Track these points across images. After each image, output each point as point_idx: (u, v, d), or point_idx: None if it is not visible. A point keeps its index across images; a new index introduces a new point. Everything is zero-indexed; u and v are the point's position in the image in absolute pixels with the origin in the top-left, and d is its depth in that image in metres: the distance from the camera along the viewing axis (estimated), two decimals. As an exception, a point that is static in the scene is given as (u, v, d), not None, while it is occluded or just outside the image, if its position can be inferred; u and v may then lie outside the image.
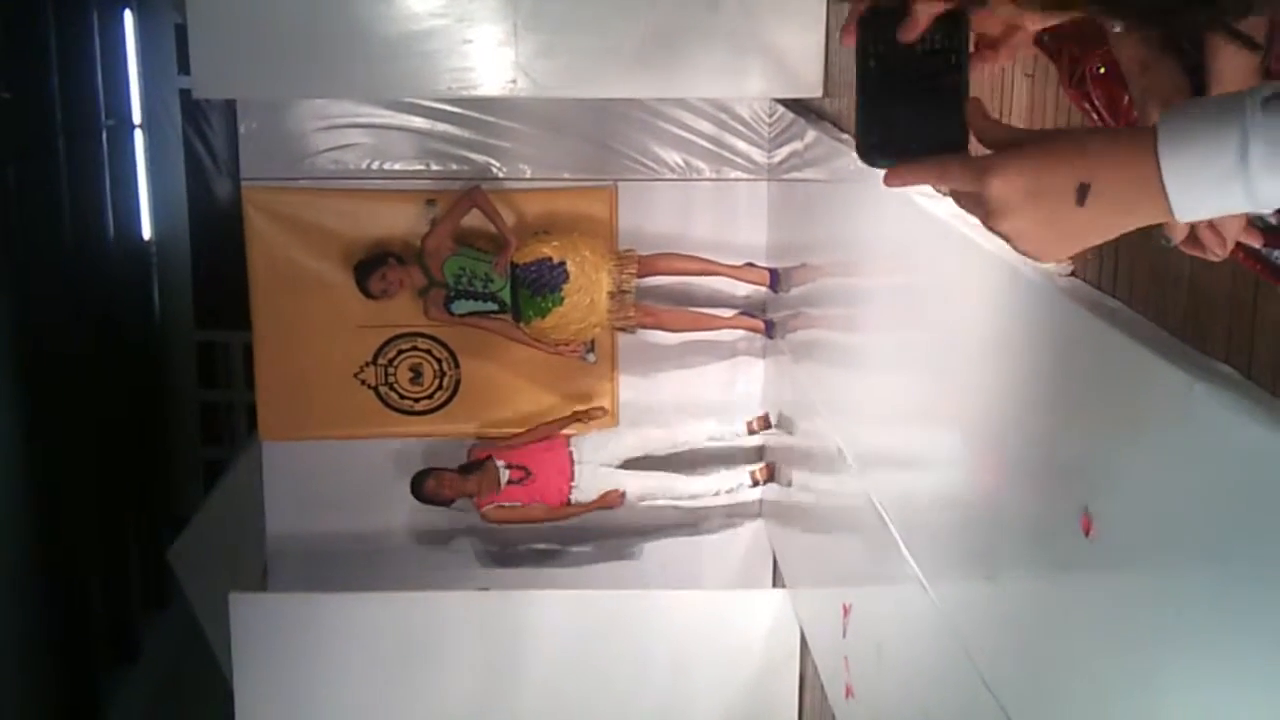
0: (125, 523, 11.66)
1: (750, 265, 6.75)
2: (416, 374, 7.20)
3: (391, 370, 7.18)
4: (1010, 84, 3.45)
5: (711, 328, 6.89)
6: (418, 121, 6.92)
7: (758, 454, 7.05)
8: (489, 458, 6.57)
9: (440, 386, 7.23)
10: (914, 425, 4.07)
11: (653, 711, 6.73)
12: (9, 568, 9.49)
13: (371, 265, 6.45)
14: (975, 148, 1.12)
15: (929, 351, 3.75)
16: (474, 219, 6.51)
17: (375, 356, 7.15)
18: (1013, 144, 1.09)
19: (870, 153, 1.15)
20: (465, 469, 6.56)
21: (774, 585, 7.07)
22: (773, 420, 6.77)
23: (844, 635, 4.96)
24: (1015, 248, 1.10)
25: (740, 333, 7.00)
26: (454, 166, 6.96)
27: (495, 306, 6.43)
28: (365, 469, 7.18)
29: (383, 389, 7.21)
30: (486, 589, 6.78)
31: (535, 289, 6.33)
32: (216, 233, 10.65)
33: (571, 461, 6.56)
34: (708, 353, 7.16)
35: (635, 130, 6.95)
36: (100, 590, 11.20)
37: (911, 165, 1.12)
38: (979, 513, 3.25)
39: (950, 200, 1.14)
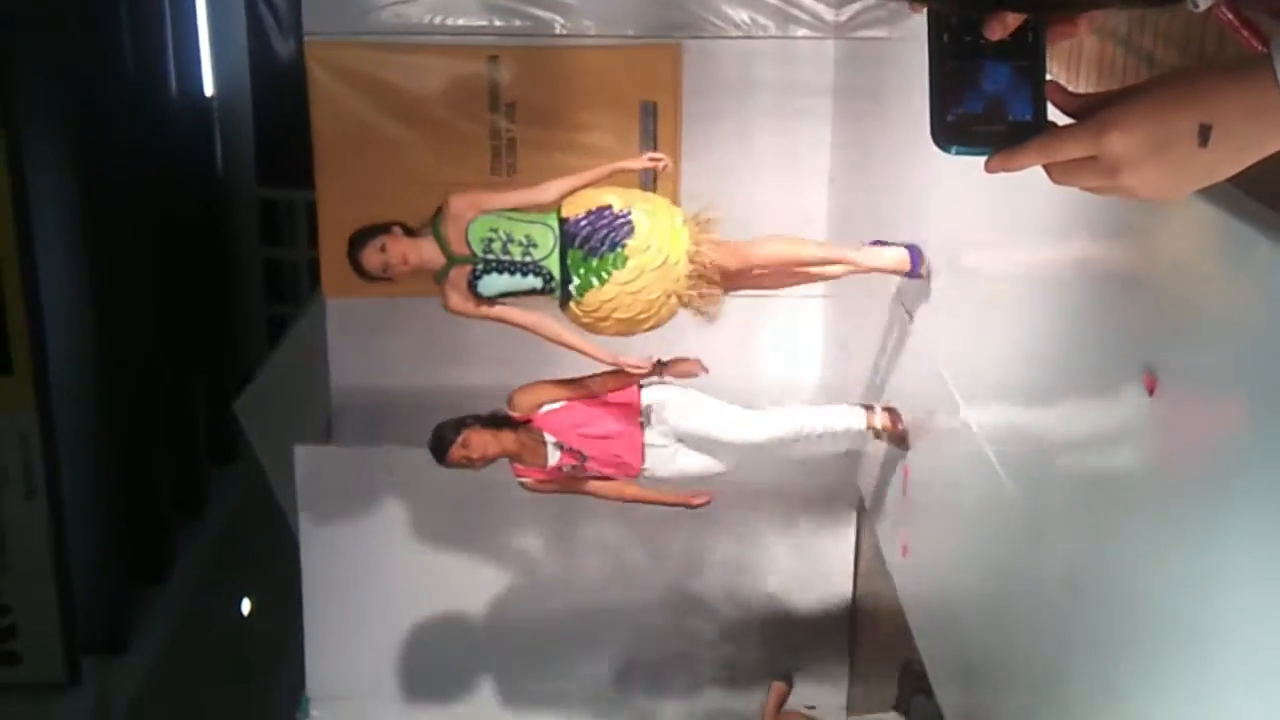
0: (191, 380, 11.84)
1: (880, 243, 5.04)
2: (479, 231, 7.19)
3: (454, 227, 7.18)
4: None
5: (830, 261, 5.15)
6: (481, -25, 6.84)
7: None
8: (533, 424, 5.21)
9: (502, 245, 7.24)
10: (976, 281, 4.05)
11: (712, 568, 6.82)
12: (79, 426, 9.68)
13: (369, 234, 5.12)
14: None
15: (995, 206, 3.72)
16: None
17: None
18: (1108, 104, 1.05)
19: (946, 136, 1.10)
20: (499, 421, 5.24)
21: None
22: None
23: (904, 494, 5.00)
24: (1139, 197, 1.06)
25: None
26: (517, 22, 6.89)
27: (537, 283, 4.86)
28: (428, 324, 7.17)
29: (445, 245, 7.21)
30: None
31: (591, 248, 4.80)
32: (279, 89, 10.64)
33: (643, 443, 5.15)
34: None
35: (700, -14, 6.84)
36: (168, 446, 11.42)
37: (1012, 152, 1.08)
38: (1041, 369, 3.25)
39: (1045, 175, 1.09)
